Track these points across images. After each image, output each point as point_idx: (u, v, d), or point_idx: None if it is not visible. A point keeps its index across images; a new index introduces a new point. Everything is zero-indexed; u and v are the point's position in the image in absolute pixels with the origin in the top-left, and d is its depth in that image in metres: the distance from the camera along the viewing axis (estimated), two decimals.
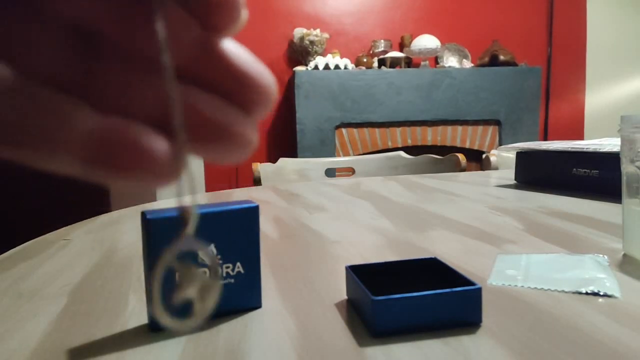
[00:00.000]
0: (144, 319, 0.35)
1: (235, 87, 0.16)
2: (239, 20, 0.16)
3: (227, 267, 0.33)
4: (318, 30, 3.10)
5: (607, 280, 0.39)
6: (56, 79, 0.15)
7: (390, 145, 3.03)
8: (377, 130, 3.02)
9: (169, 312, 0.13)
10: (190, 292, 0.14)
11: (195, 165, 3.23)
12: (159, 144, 0.15)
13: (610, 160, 0.78)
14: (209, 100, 0.16)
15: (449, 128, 3.10)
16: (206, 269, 0.14)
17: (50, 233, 0.65)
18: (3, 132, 0.14)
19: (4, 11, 0.14)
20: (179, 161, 0.15)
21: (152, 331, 0.33)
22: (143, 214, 0.32)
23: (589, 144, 0.87)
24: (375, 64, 3.16)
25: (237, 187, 3.23)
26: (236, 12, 0.15)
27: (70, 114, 0.14)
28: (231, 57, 0.16)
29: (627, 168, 0.45)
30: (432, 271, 0.37)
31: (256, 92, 0.16)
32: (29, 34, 0.14)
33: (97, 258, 0.52)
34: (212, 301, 0.14)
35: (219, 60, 0.16)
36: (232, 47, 0.16)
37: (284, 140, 3.30)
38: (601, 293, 0.37)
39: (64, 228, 0.69)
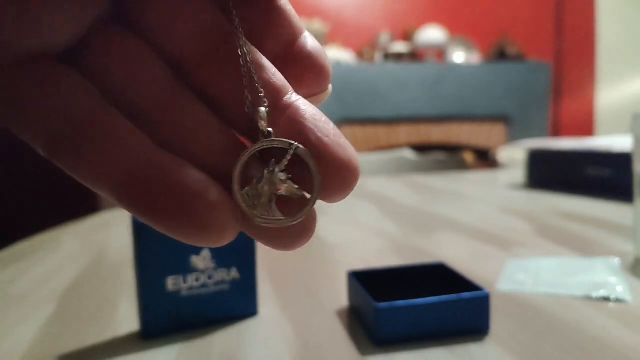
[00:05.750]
0: (135, 326, 0.34)
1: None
2: (325, 95, 0.17)
3: (222, 272, 0.32)
4: (318, 21, 3.04)
5: (618, 285, 0.39)
6: (137, 104, 0.15)
7: (393, 142, 3.00)
8: (380, 127, 3.00)
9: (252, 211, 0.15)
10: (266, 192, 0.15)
11: None
12: (210, 192, 0.14)
13: (622, 160, 0.77)
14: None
15: (455, 125, 3.07)
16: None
17: (40, 235, 0.65)
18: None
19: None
20: (233, 215, 0.15)
21: (145, 338, 0.32)
22: (134, 218, 0.31)
23: (600, 143, 0.86)
24: (379, 58, 3.12)
25: None
26: (324, 87, 0.16)
27: (128, 138, 0.14)
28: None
29: (639, 168, 0.44)
30: (439, 277, 0.36)
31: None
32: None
33: (87, 262, 0.51)
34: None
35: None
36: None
37: None
38: (612, 298, 0.36)
39: (53, 230, 0.68)
